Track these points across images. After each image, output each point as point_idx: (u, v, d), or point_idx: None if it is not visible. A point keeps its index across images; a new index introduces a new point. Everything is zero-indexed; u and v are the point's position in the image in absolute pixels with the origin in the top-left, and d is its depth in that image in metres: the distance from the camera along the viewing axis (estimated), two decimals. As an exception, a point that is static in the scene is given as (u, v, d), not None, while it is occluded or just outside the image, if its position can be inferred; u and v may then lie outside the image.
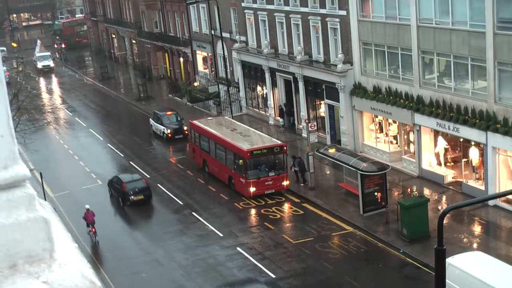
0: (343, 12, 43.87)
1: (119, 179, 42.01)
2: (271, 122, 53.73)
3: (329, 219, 36.27)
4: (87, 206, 37.19)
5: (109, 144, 55.45)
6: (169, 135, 53.24)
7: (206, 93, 62.81)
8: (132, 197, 40.45)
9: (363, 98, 43.01)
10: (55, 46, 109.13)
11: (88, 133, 60.02)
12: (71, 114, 67.55)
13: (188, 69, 70.25)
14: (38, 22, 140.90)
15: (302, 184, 40.75)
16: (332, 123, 46.85)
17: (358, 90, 43.43)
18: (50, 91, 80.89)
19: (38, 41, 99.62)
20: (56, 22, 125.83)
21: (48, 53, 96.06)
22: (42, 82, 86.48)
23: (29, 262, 2.86)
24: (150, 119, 57.17)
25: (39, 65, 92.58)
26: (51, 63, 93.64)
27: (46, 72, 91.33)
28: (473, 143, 36.18)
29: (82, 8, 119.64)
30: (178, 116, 54.87)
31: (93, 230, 36.46)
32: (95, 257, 33.99)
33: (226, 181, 42.14)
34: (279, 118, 52.85)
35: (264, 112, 55.56)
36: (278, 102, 53.23)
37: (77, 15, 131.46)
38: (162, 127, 54.17)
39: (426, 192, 37.61)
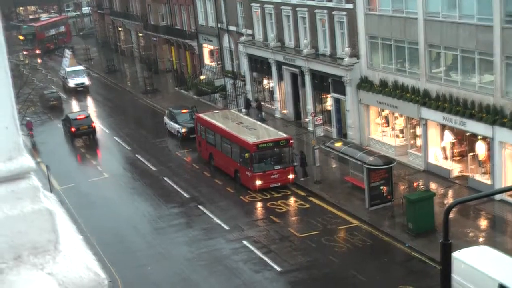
0: (350, 6, 43.78)
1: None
2: (278, 115, 53.72)
3: (334, 213, 36.28)
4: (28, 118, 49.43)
5: (115, 137, 55.48)
6: (184, 134, 51.17)
7: (212, 86, 62.79)
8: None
9: (369, 92, 42.96)
10: (24, 52, 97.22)
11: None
12: (78, 108, 67.60)
13: (195, 62, 70.24)
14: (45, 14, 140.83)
15: (302, 178, 40.67)
16: (338, 116, 46.81)
17: (364, 84, 43.37)
18: (57, 85, 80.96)
19: (67, 51, 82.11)
20: (24, 26, 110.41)
21: (81, 67, 77.64)
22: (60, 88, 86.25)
23: (34, 254, 2.86)
24: (164, 117, 55.36)
25: (71, 83, 73.53)
26: (85, 80, 74.27)
27: (79, 92, 73.15)
28: (479, 137, 36.11)
29: (89, 1, 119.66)
30: (193, 113, 51.49)
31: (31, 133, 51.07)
32: (101, 249, 34.02)
33: (232, 174, 42.17)
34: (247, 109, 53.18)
35: (270, 106, 55.52)
36: (285, 96, 53.22)
37: (83, 8, 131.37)
38: (177, 126, 52.10)
39: (432, 186, 37.57)
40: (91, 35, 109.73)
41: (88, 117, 56.13)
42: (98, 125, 59.35)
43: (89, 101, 70.56)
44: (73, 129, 54.63)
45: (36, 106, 60.54)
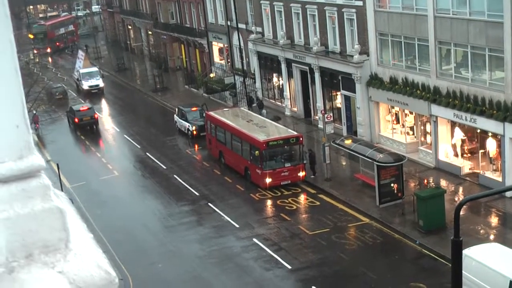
0: (360, 3, 43.70)
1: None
2: (287, 113, 53.70)
3: (345, 210, 36.24)
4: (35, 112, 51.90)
5: (125, 135, 55.60)
6: (194, 132, 51.16)
7: (222, 84, 62.80)
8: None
9: (379, 89, 42.88)
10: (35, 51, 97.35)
11: (102, 123, 60.19)
12: (75, 94, 67.63)
13: (204, 60, 70.28)
14: (54, 13, 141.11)
15: (313, 176, 40.65)
16: (348, 114, 46.77)
17: (374, 81, 43.30)
18: (70, 86, 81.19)
19: (80, 52, 79.45)
20: (35, 25, 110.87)
21: (96, 69, 75.15)
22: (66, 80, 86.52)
23: (45, 252, 2.87)
24: (175, 115, 55.43)
25: (85, 85, 71.69)
26: (100, 82, 72.42)
27: (93, 94, 71.21)
28: (490, 134, 36.00)
29: (99, 0, 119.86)
30: (203, 112, 51.31)
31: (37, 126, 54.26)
32: (111, 247, 34.10)
33: (242, 172, 42.19)
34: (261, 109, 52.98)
35: (280, 103, 55.52)
36: (294, 93, 53.21)
37: (93, 7, 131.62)
38: (187, 124, 52.21)
39: (443, 183, 37.49)
40: (89, 36, 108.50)
41: (91, 108, 59.17)
42: (109, 123, 59.54)
43: (99, 99, 70.62)
44: (76, 120, 57.68)
45: (46, 104, 60.88)
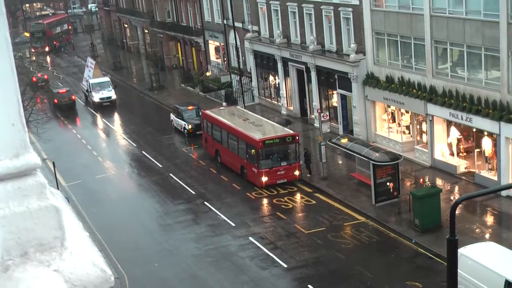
0: (356, 2, 43.70)
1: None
2: (284, 111, 53.71)
3: (341, 209, 36.27)
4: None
5: (122, 134, 55.56)
6: (191, 130, 51.31)
7: (219, 83, 62.79)
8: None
9: (375, 88, 42.90)
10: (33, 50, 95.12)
11: (101, 122, 60.15)
12: (83, 104, 67.74)
13: (201, 59, 70.26)
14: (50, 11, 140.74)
15: (308, 175, 40.66)
16: (344, 113, 46.78)
17: (370, 80, 43.32)
18: (63, 82, 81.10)
19: (90, 60, 71.06)
20: (33, 24, 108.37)
21: (107, 79, 67.73)
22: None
23: (40, 251, 2.87)
24: (171, 113, 55.62)
25: (95, 97, 64.52)
26: (112, 93, 64.92)
27: (105, 107, 64.27)
28: (486, 133, 36.04)
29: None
30: (199, 110, 51.65)
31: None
32: (107, 246, 34.08)
33: (238, 170, 42.19)
34: (292, 104, 52.99)
35: (276, 102, 55.52)
36: (291, 92, 53.20)
37: (89, 5, 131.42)
38: (183, 122, 52.36)
39: (439, 182, 37.53)
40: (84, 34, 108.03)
41: (68, 91, 66.84)
42: (105, 122, 59.49)
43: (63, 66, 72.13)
44: (56, 101, 64.82)
45: (42, 103, 61.10)
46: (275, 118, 49.69)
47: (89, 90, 65.95)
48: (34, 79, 66.55)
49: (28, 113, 44.61)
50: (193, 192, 40.98)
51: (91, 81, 66.07)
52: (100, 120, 60.94)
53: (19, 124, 2.86)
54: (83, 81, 70.06)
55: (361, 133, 44.42)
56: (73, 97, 65.43)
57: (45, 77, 73.69)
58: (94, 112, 63.63)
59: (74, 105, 65.48)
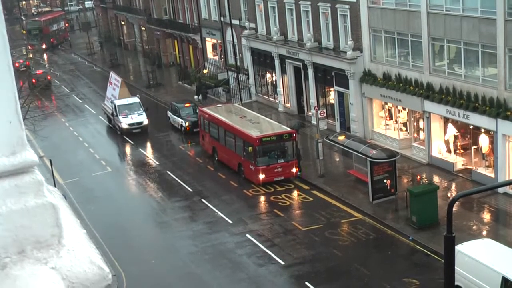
0: (353, -1, 43.70)
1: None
2: (281, 109, 53.70)
3: (338, 206, 36.28)
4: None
5: (118, 132, 55.44)
6: (188, 128, 51.27)
7: (216, 80, 62.75)
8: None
9: (372, 85, 42.91)
10: (29, 48, 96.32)
11: (97, 120, 60.11)
12: (80, 101, 67.66)
13: (198, 56, 70.20)
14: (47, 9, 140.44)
15: (299, 173, 40.50)
16: (341, 110, 46.79)
17: (367, 77, 43.32)
18: (60, 79, 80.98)
19: (115, 77, 58.11)
20: (30, 21, 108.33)
21: (137, 99, 55.31)
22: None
23: (38, 248, 2.87)
24: (168, 111, 55.57)
25: (123, 123, 53.00)
26: (143, 117, 53.47)
27: (134, 134, 52.98)
28: (483, 130, 36.08)
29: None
30: (196, 108, 51.49)
31: None
32: (104, 243, 34.06)
33: (235, 168, 42.18)
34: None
35: (273, 99, 55.51)
36: (288, 89, 53.20)
37: (86, 2, 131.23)
38: (180, 120, 52.41)
39: (436, 179, 37.56)
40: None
41: (45, 72, 75.74)
42: (101, 118, 59.40)
43: (91, 94, 70.49)
44: (34, 81, 70.26)
45: (40, 100, 60.89)
46: (288, 121, 49.49)
47: (114, 113, 54.28)
48: (34, 80, 70.01)
49: (24, 110, 44.55)
50: (190, 190, 40.97)
51: (117, 102, 54.34)
52: (97, 118, 60.81)
53: (16, 122, 2.86)
54: (105, 100, 58.94)
55: (358, 130, 44.43)
56: (49, 77, 74.87)
57: (48, 77, 74.41)
58: (92, 110, 63.54)
59: (50, 84, 73.37)
